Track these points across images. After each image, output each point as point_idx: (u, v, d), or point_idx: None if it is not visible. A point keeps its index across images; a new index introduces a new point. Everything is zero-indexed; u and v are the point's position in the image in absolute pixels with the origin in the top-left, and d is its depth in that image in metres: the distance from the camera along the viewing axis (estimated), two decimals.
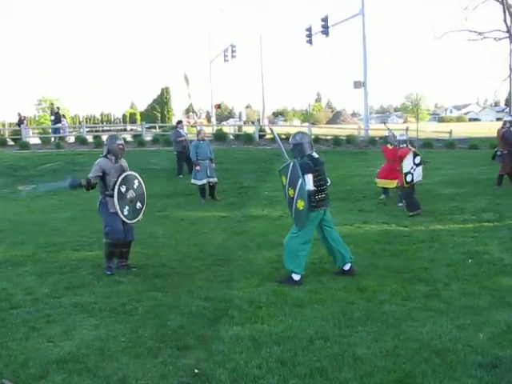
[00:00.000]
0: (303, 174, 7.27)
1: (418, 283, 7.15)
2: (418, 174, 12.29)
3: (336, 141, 30.20)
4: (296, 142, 7.66)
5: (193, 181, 15.53)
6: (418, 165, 12.24)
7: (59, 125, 33.69)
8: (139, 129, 35.33)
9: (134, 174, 8.40)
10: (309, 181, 7.33)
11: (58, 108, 35.80)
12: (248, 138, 30.78)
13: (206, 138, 16.55)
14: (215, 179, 15.51)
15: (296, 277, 7.35)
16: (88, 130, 37.00)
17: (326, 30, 35.00)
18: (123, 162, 8.36)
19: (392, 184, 13.50)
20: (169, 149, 23.78)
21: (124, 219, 8.09)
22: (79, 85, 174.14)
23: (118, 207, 7.94)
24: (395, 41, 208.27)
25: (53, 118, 34.94)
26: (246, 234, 10.85)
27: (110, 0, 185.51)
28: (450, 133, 32.88)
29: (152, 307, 6.48)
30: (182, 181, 18.50)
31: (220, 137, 30.73)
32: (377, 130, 34.10)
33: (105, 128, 48.03)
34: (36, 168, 22.00)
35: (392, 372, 4.60)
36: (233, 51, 46.63)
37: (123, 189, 8.04)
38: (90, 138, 31.14)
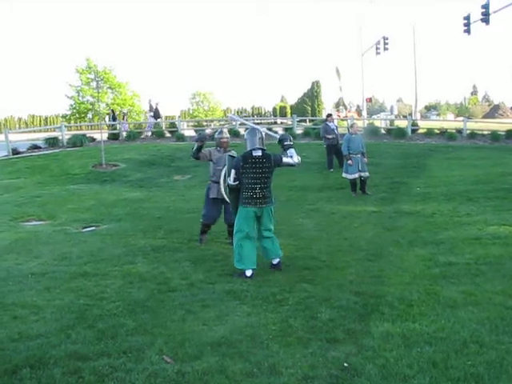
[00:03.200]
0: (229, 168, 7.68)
1: None
2: None
3: (494, 136, 28.64)
4: (244, 138, 8.02)
5: (344, 174, 15.51)
6: None
7: (159, 120, 35.25)
8: (289, 122, 35.76)
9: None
10: (231, 176, 7.63)
11: (157, 104, 36.36)
12: (400, 133, 30.03)
13: (358, 132, 16.44)
14: (367, 173, 15.38)
15: (247, 272, 7.54)
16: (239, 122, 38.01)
17: (486, 18, 32.95)
18: (232, 154, 9.25)
19: None
20: (319, 142, 23.85)
21: (226, 198, 9.03)
22: (231, 79, 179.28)
23: (223, 190, 9.13)
24: None
25: (151, 113, 35.53)
26: (397, 230, 10.65)
27: None
28: None
29: (302, 298, 6.56)
30: (333, 174, 18.51)
31: (371, 131, 30.32)
32: None
33: (256, 121, 49.13)
34: (190, 159, 22.95)
35: None
36: (385, 43, 45.62)
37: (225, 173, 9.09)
38: (241, 131, 32.06)
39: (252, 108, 75.52)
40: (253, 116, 67.19)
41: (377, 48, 46.86)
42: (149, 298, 6.78)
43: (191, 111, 69.81)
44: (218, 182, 9.33)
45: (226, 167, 8.83)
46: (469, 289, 6.78)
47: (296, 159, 7.94)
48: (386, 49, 45.68)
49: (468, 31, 34.96)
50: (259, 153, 7.63)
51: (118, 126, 32.55)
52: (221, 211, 9.74)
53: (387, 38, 45.52)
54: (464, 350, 4.99)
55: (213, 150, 9.75)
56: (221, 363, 4.86)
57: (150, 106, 36.15)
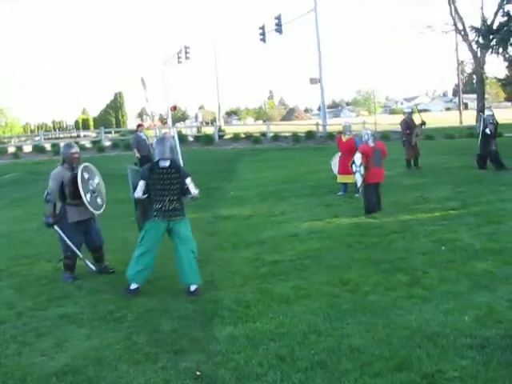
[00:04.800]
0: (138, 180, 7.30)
1: (397, 273, 7.33)
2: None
3: (295, 137, 30.47)
4: (153, 147, 7.66)
5: None
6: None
7: None
8: (94, 134, 35.03)
9: (94, 168, 8.67)
10: (139, 188, 7.29)
11: None
12: (208, 139, 30.79)
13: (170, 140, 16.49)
14: None
15: (132, 286, 7.28)
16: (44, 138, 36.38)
17: (279, 28, 35.27)
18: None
19: (351, 179, 12.90)
20: (130, 153, 23.55)
21: (87, 205, 8.12)
22: (27, 92, 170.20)
23: (82, 190, 7.98)
24: (346, 36, 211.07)
25: None
26: (219, 234, 10.87)
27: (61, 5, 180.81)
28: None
29: (141, 313, 6.47)
30: None
31: (180, 139, 30.61)
32: (334, 125, 34.48)
33: (60, 135, 47.34)
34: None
35: (389, 360, 4.75)
36: (186, 52, 46.42)
37: (86, 175, 8.25)
38: (47, 147, 30.68)
39: (53, 122, 72.52)
40: (54, 130, 64.60)
41: (179, 57, 47.47)
42: None
43: None
44: (77, 205, 8.14)
45: (82, 165, 8.20)
46: (298, 283, 7.17)
47: (196, 191, 7.68)
48: (187, 58, 46.46)
49: (263, 40, 37.02)
50: (167, 163, 7.26)
51: None
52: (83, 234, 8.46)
53: (189, 47, 46.34)
54: (305, 341, 5.30)
55: (60, 170, 8.17)
56: None
57: None
